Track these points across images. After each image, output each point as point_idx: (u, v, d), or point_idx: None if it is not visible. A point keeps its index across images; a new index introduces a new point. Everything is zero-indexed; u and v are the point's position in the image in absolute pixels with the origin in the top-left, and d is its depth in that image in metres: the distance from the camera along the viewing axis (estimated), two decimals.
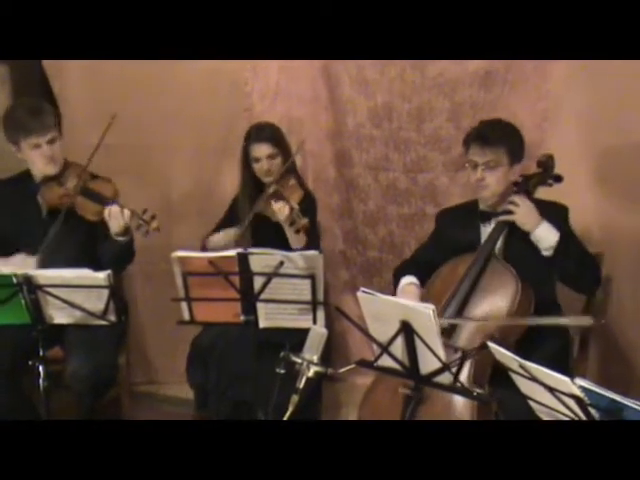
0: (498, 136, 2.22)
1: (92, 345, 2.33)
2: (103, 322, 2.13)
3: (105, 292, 2.08)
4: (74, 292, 2.09)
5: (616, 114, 2.44)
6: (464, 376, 1.99)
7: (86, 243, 2.48)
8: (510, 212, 2.20)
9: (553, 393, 1.47)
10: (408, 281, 2.34)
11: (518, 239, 2.23)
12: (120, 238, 2.39)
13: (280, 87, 3.00)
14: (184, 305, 2.18)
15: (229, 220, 2.71)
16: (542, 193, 2.34)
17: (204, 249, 2.65)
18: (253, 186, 2.63)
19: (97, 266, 2.18)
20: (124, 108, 2.90)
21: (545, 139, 2.60)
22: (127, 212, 2.35)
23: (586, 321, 1.92)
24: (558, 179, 2.31)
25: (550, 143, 2.57)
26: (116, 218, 2.34)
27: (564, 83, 2.53)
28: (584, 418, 1.45)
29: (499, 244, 2.25)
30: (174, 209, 3.06)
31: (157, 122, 2.97)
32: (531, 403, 1.64)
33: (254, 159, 2.60)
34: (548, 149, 2.47)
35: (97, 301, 2.10)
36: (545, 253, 2.17)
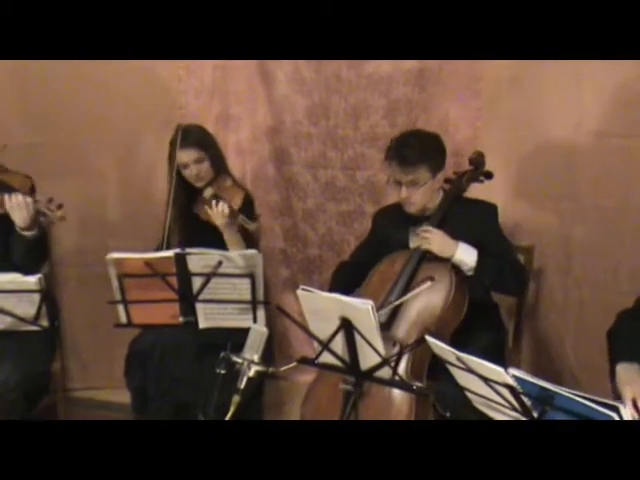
0: (417, 156, 2.19)
1: (23, 352, 2.24)
2: (35, 327, 2.05)
3: (36, 297, 2.02)
4: (3, 298, 2.01)
5: (540, 114, 2.52)
6: (402, 370, 2.02)
7: None
8: (425, 242, 2.20)
9: (488, 383, 1.51)
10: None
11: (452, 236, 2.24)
12: (26, 233, 2.27)
13: (216, 85, 2.97)
14: (121, 308, 2.13)
15: None
16: (475, 190, 2.40)
17: None
18: (184, 192, 2.53)
19: (12, 266, 2.09)
20: (54, 106, 2.82)
21: (479, 137, 2.66)
22: (29, 199, 2.22)
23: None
24: (489, 176, 2.36)
25: (484, 141, 2.63)
26: (19, 208, 2.22)
27: (495, 83, 2.60)
28: (518, 407, 1.50)
29: None
30: (108, 210, 2.99)
31: (89, 121, 2.89)
32: (467, 394, 1.68)
33: (182, 165, 2.49)
34: (482, 147, 2.54)
35: (28, 306, 2.03)
36: (468, 273, 2.21)
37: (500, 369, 1.46)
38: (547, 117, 2.53)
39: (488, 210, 2.31)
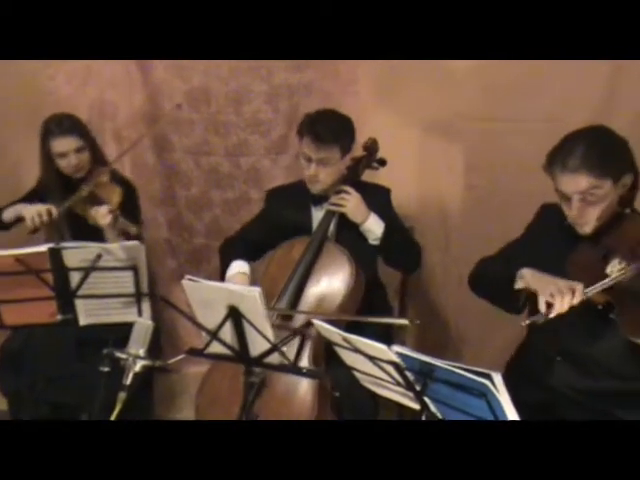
0: (332, 135, 2.21)
1: None
2: None
3: None
4: None
5: (416, 100, 2.61)
6: (305, 357, 2.05)
7: None
8: (340, 204, 2.24)
9: (373, 361, 1.56)
10: (238, 270, 2.28)
11: (349, 223, 2.28)
12: None
13: (90, 69, 2.83)
14: None
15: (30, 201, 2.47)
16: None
17: None
18: (58, 184, 2.41)
19: None
20: None
21: (362, 120, 2.71)
22: None
23: (403, 321, 2.13)
24: (382, 162, 2.41)
25: (367, 125, 2.68)
26: None
27: (373, 69, 2.66)
28: (402, 382, 1.55)
29: (332, 227, 2.29)
30: None
31: None
32: (355, 373, 1.72)
33: (59, 155, 2.38)
34: (366, 131, 2.57)
35: None
36: (373, 243, 2.27)
37: (384, 347, 1.51)
38: (423, 102, 2.62)
39: (382, 193, 2.37)
